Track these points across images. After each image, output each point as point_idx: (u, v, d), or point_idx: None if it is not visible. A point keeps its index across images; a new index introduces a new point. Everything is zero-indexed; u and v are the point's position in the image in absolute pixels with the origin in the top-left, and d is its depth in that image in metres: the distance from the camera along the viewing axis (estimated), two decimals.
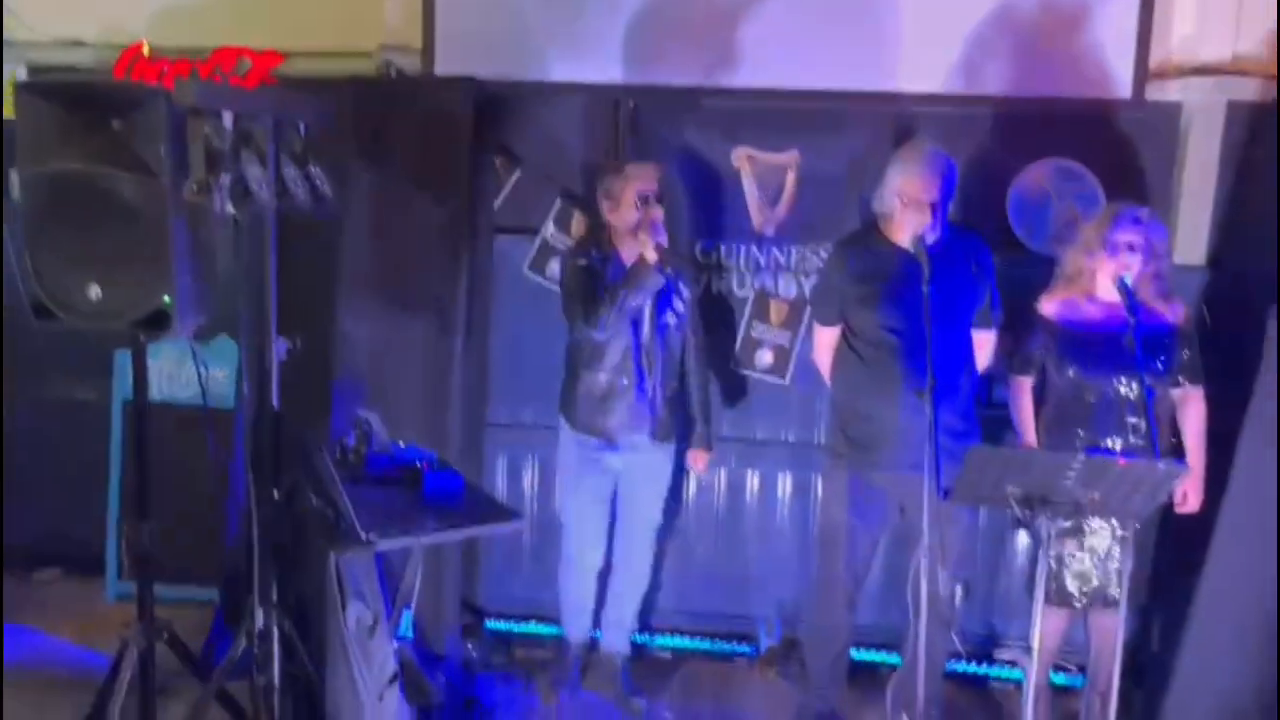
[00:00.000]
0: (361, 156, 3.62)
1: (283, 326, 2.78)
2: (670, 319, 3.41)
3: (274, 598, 2.80)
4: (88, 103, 2.33)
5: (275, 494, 2.79)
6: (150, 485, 2.75)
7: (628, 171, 3.37)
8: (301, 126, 2.66)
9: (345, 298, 3.65)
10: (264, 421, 2.78)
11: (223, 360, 4.09)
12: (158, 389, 4.13)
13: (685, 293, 3.44)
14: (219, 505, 3.74)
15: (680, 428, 3.56)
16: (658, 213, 3.33)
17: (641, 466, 3.51)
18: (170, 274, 2.35)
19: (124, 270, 2.37)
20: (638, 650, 3.93)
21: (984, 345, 3.34)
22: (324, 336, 3.57)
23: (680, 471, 3.70)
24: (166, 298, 2.38)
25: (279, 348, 2.76)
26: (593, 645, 3.76)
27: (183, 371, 4.19)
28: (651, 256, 3.25)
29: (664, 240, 3.27)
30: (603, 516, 3.58)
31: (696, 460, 3.63)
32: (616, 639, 3.72)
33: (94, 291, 2.40)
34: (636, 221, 3.32)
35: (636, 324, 3.38)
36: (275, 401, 2.78)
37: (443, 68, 3.78)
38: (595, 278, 3.33)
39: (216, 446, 3.12)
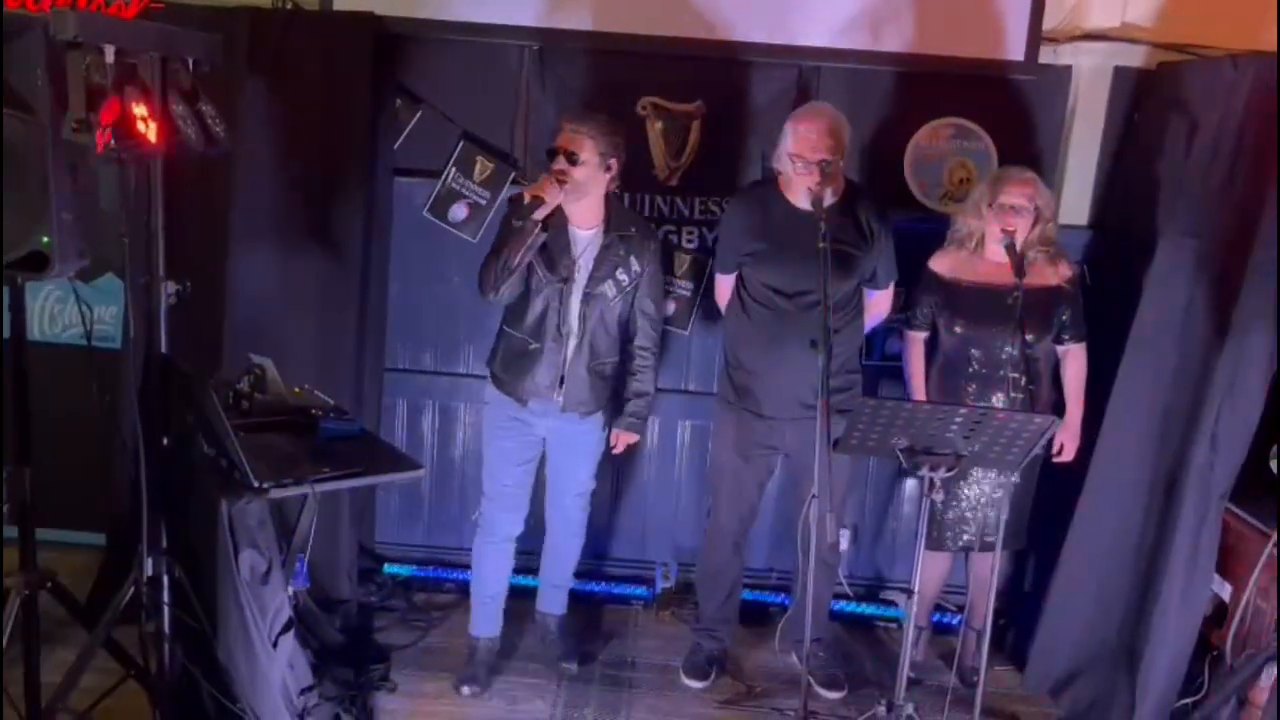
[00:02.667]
0: (255, 92, 3.49)
1: (171, 268, 2.70)
2: (609, 289, 3.20)
3: (163, 544, 2.75)
4: None
5: (164, 440, 2.73)
6: (31, 429, 2.66)
7: (560, 123, 3.17)
8: (190, 62, 2.56)
9: (238, 239, 3.54)
10: (151, 366, 2.71)
11: (109, 299, 3.95)
12: (38, 329, 3.98)
13: (636, 265, 3.22)
14: (105, 449, 3.64)
15: (610, 402, 3.37)
16: (568, 169, 3.07)
17: (563, 434, 3.36)
18: (48, 214, 2.25)
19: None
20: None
21: (881, 303, 3.43)
22: (215, 278, 3.47)
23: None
24: (45, 238, 2.29)
25: (167, 290, 2.69)
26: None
27: (65, 311, 4.04)
28: (525, 200, 3.04)
29: (545, 193, 3.02)
30: (522, 480, 3.40)
31: (618, 440, 3.41)
32: (552, 601, 3.64)
33: None
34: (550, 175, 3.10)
35: (563, 281, 3.17)
36: (163, 345, 2.71)
37: (341, 2, 3.66)
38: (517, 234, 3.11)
39: (102, 389, 3.02)
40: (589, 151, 3.08)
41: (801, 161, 3.10)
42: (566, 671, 3.52)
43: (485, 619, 3.52)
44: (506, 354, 3.29)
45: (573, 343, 3.21)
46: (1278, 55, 2.83)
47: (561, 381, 3.23)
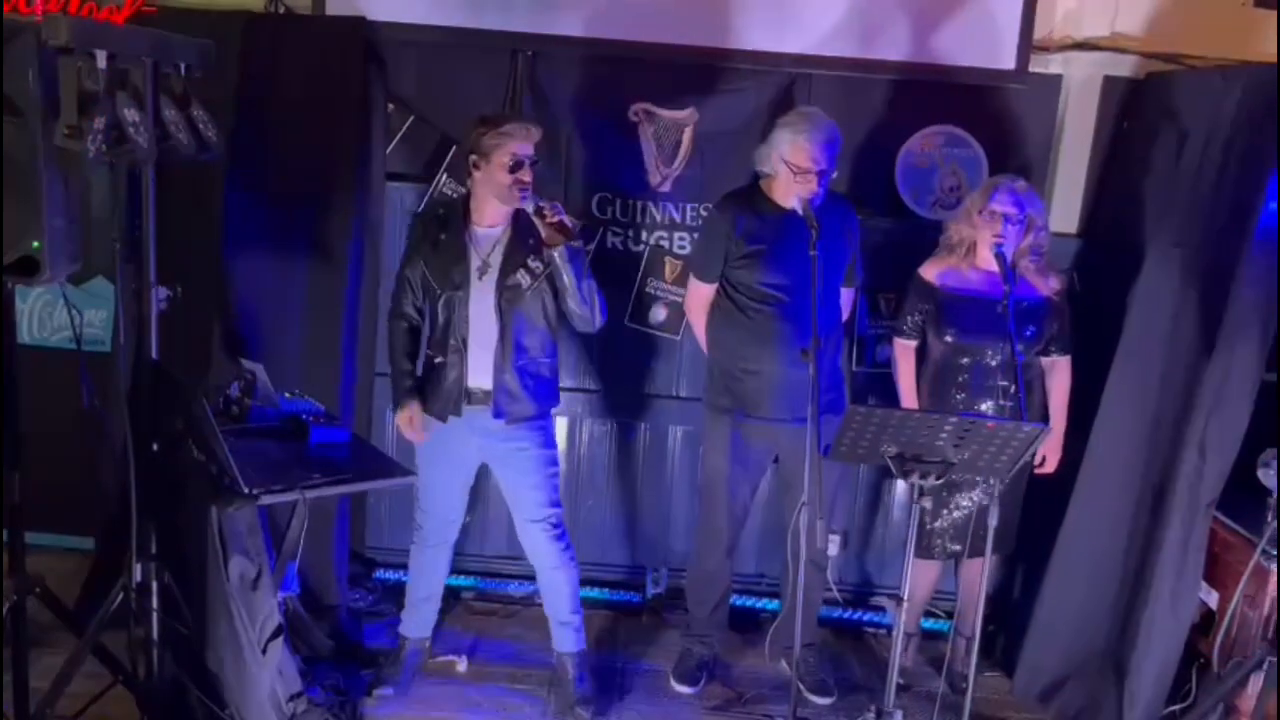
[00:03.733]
0: (247, 97, 3.49)
1: (162, 273, 2.70)
2: (522, 278, 3.08)
3: (153, 550, 2.75)
4: None
5: (154, 446, 2.73)
6: (19, 433, 2.65)
7: (506, 129, 3.02)
8: (182, 67, 2.56)
9: (229, 243, 3.53)
10: (142, 371, 2.70)
11: (98, 302, 3.94)
12: (27, 331, 3.97)
13: (547, 252, 3.05)
14: (94, 453, 3.63)
15: (545, 402, 3.24)
16: (528, 176, 3.03)
17: (499, 452, 3.24)
18: (40, 219, 2.25)
19: None
20: (528, 599, 3.99)
21: (846, 302, 3.48)
22: (207, 283, 3.46)
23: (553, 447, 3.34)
24: (36, 243, 2.29)
25: (158, 295, 2.68)
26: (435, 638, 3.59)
27: (55, 313, 4.03)
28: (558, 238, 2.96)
29: (528, 207, 2.99)
30: (452, 503, 3.35)
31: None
32: (562, 639, 3.44)
33: None
34: (506, 186, 3.02)
35: (456, 290, 3.10)
36: (154, 351, 2.70)
37: (333, 7, 3.66)
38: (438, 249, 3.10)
39: (91, 393, 3.01)
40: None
41: (801, 172, 3.11)
42: (580, 717, 3.34)
43: (417, 620, 3.50)
44: (426, 373, 3.23)
45: (494, 345, 3.10)
46: (1278, 67, 2.84)
47: (469, 396, 3.13)
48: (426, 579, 3.48)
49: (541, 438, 3.25)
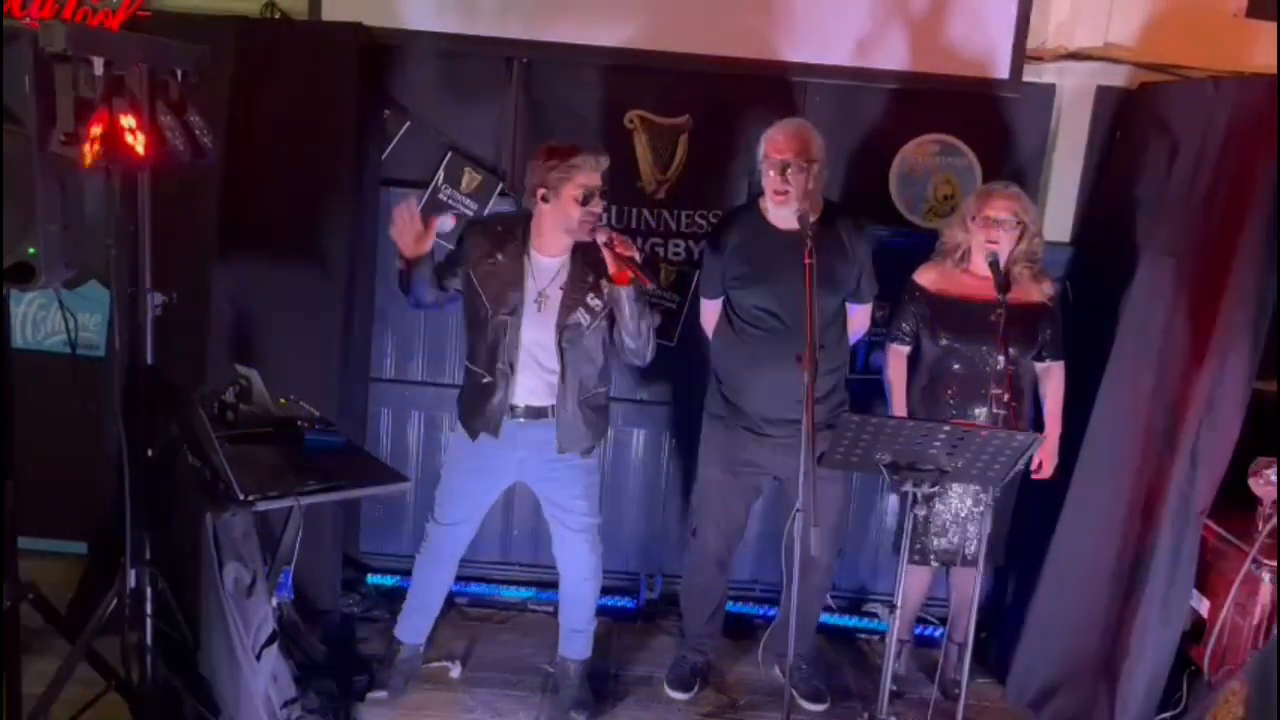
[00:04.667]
0: (242, 101, 3.49)
1: (157, 279, 2.70)
2: (582, 317, 3.07)
3: (147, 555, 2.74)
4: None
5: (149, 451, 2.73)
6: (12, 439, 2.65)
7: (575, 162, 2.95)
8: (178, 73, 2.56)
9: (224, 248, 3.53)
10: (137, 376, 2.70)
11: (92, 306, 3.93)
12: (21, 335, 3.96)
13: (606, 288, 3.06)
14: (87, 458, 3.62)
15: (601, 431, 3.27)
16: (598, 208, 3.00)
17: (538, 466, 3.22)
18: (36, 226, 2.24)
19: None
20: (521, 605, 3.99)
21: (861, 317, 3.46)
22: (201, 288, 3.46)
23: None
24: (32, 249, 2.28)
25: (153, 301, 2.68)
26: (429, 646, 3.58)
27: (49, 317, 4.02)
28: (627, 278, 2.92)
29: (600, 239, 2.95)
30: (472, 517, 3.33)
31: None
32: (571, 646, 3.47)
33: None
34: (576, 220, 2.97)
35: (509, 314, 3.07)
36: (149, 355, 2.70)
37: (329, 13, 3.66)
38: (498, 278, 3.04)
39: (85, 397, 3.00)
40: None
41: (769, 164, 3.14)
42: None
43: (414, 627, 3.49)
44: (467, 389, 3.22)
45: (554, 380, 3.08)
46: (1278, 78, 2.86)
47: (519, 411, 3.12)
48: (428, 588, 3.46)
49: (582, 462, 3.26)
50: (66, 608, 3.29)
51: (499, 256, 3.06)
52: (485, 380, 3.11)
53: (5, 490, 2.65)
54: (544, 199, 3.00)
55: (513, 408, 3.11)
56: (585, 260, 3.08)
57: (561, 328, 3.06)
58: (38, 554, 3.66)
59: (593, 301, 3.07)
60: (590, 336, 3.10)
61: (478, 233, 3.15)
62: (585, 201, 2.96)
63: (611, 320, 3.10)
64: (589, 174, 2.96)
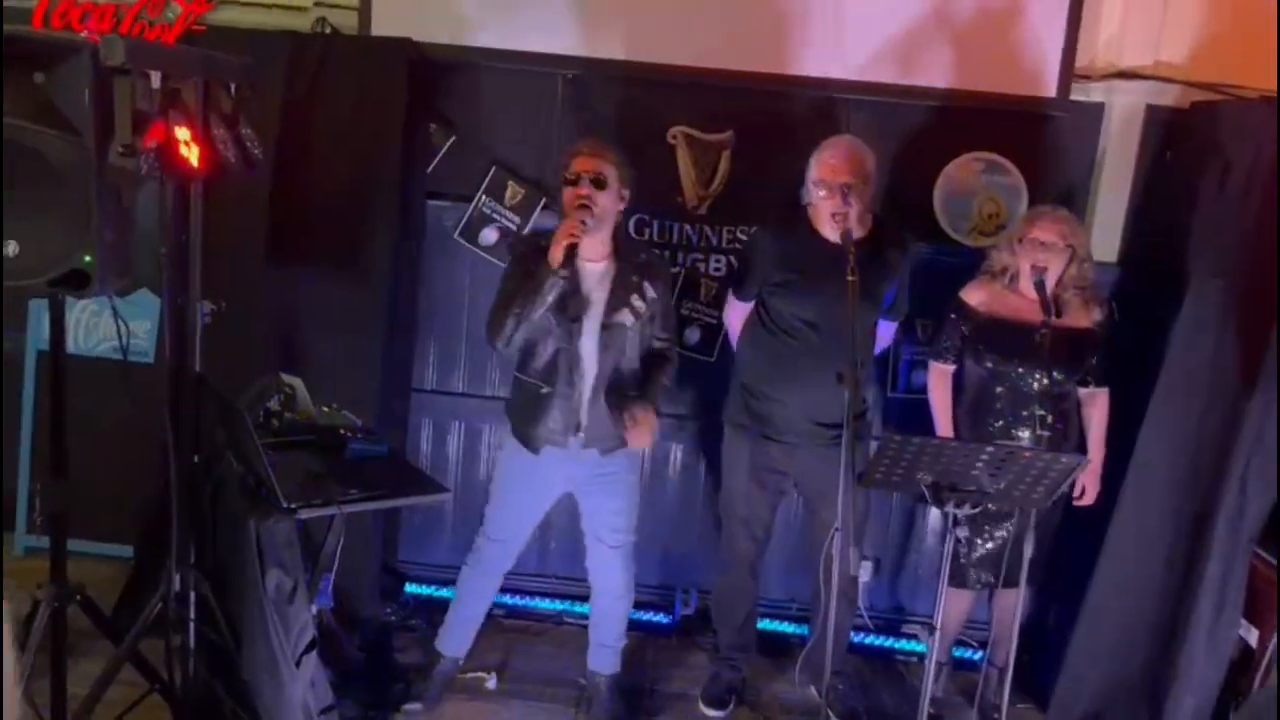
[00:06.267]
0: (292, 114, 3.55)
1: (206, 288, 2.74)
2: (626, 317, 3.09)
3: (191, 560, 2.78)
4: (10, 54, 2.24)
5: (195, 457, 2.77)
6: (66, 443, 2.70)
7: (572, 149, 3.06)
8: (231, 86, 2.61)
9: (271, 258, 3.59)
10: (184, 383, 2.74)
11: (142, 314, 4.01)
12: (74, 341, 4.03)
13: (650, 291, 3.11)
14: (136, 462, 3.68)
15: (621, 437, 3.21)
16: (593, 193, 2.96)
17: (586, 480, 3.25)
18: (92, 234, 2.29)
19: (44, 228, 2.30)
20: (557, 617, 3.99)
21: (888, 334, 3.48)
22: (249, 298, 3.51)
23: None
24: (88, 257, 2.33)
25: (203, 309, 2.73)
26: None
27: (100, 324, 4.10)
28: (556, 257, 2.87)
29: (576, 233, 2.88)
30: (524, 531, 3.34)
31: (633, 424, 3.11)
32: (601, 660, 3.48)
33: (11, 248, 2.33)
34: (569, 203, 2.98)
35: (573, 321, 3.06)
36: (197, 363, 2.75)
37: (379, 28, 3.72)
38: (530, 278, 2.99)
39: (135, 403, 3.06)
40: (612, 176, 3.02)
41: (825, 187, 3.12)
42: None
43: (457, 638, 3.48)
44: (520, 400, 3.21)
45: (590, 381, 3.11)
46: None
47: (578, 427, 3.13)
48: (474, 601, 3.47)
49: (630, 463, 3.28)
50: (112, 610, 3.35)
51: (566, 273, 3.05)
52: (544, 391, 3.11)
53: (59, 492, 2.71)
54: (561, 192, 3.07)
55: (578, 425, 3.12)
56: (629, 263, 3.12)
57: (604, 326, 3.08)
58: (86, 556, 3.73)
59: (636, 303, 3.10)
60: (630, 337, 3.13)
61: (529, 245, 3.15)
62: (574, 183, 2.99)
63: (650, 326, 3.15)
64: (582, 159, 3.01)
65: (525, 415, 3.18)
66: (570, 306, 3.05)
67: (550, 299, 2.97)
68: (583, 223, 2.91)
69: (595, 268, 3.11)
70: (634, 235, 3.85)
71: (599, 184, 2.99)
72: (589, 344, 3.09)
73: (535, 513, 3.34)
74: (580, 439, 3.15)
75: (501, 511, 3.33)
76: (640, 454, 3.34)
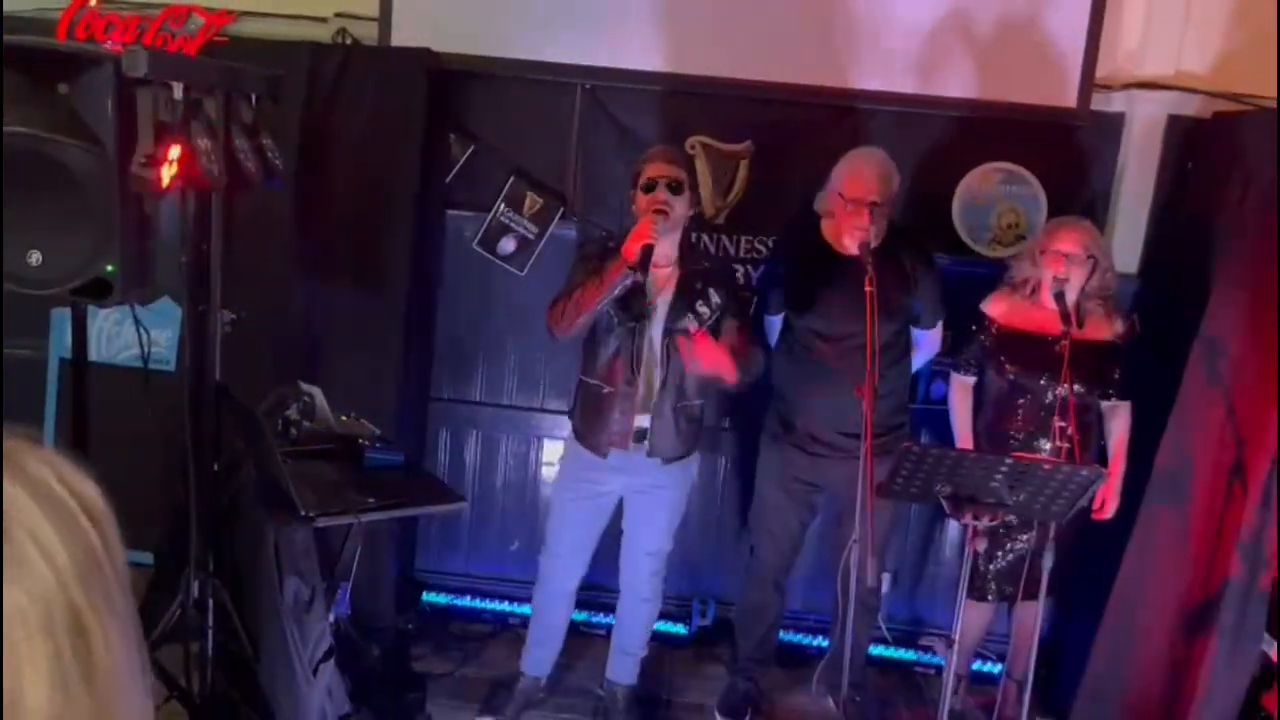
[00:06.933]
0: (312, 125, 3.57)
1: (226, 297, 2.76)
2: (690, 323, 3.06)
3: (210, 568, 2.80)
4: (35, 65, 2.27)
5: (215, 465, 2.79)
6: (88, 450, 2.72)
7: (646, 155, 3.10)
8: (253, 97, 2.63)
9: (289, 267, 3.61)
10: (204, 392, 2.76)
11: (163, 322, 4.03)
12: (96, 349, 4.06)
13: (716, 297, 3.09)
14: (155, 470, 3.70)
15: (693, 443, 3.26)
16: (671, 199, 2.98)
17: (641, 490, 3.24)
18: (114, 244, 2.31)
19: (67, 238, 2.33)
20: (574, 627, 3.98)
21: (931, 342, 3.45)
22: (268, 307, 3.53)
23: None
24: (110, 267, 2.35)
25: (223, 319, 2.75)
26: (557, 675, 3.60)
27: (121, 332, 4.13)
28: (633, 251, 2.86)
29: (652, 235, 2.87)
30: (584, 543, 3.32)
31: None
32: (620, 669, 3.49)
33: (34, 257, 2.36)
34: (641, 208, 3.00)
35: (635, 321, 3.06)
36: (217, 372, 2.77)
37: (399, 39, 3.74)
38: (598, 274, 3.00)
39: (155, 412, 3.08)
40: (686, 183, 3.05)
41: (852, 203, 3.11)
42: None
43: (536, 659, 3.49)
44: (583, 403, 3.20)
45: (655, 384, 3.08)
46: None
47: (643, 434, 3.11)
48: (547, 621, 3.46)
49: (683, 478, 3.28)
50: None
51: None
52: (605, 391, 3.11)
53: None
54: (632, 200, 3.08)
55: (642, 431, 3.12)
56: (693, 270, 3.13)
57: (668, 331, 3.08)
58: None
59: (701, 308, 3.08)
60: None
61: (598, 246, 3.18)
62: (649, 189, 3.01)
63: (717, 333, 3.11)
64: (656, 165, 3.05)
65: (587, 416, 3.18)
66: (634, 305, 3.06)
67: (617, 292, 2.97)
68: (658, 226, 2.92)
69: (661, 273, 3.11)
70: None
71: (675, 189, 3.01)
72: (651, 348, 3.10)
73: (594, 526, 3.32)
74: (645, 447, 3.14)
75: (560, 523, 3.33)
76: (694, 467, 3.34)
